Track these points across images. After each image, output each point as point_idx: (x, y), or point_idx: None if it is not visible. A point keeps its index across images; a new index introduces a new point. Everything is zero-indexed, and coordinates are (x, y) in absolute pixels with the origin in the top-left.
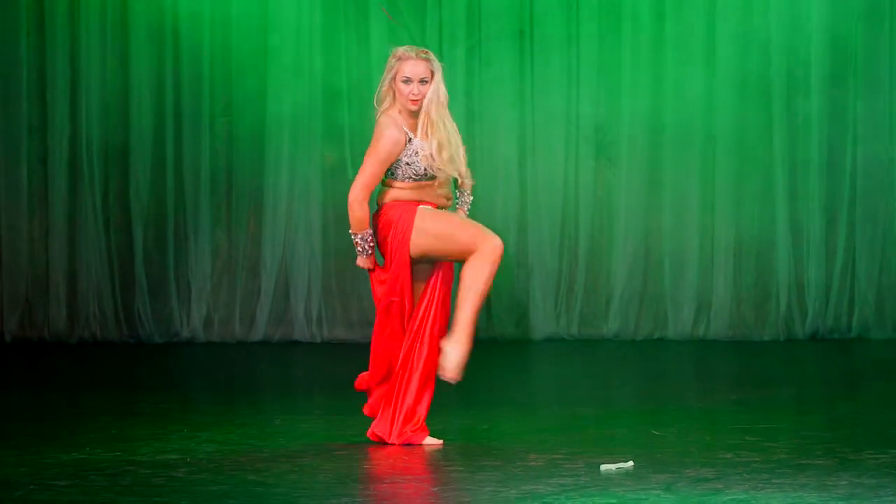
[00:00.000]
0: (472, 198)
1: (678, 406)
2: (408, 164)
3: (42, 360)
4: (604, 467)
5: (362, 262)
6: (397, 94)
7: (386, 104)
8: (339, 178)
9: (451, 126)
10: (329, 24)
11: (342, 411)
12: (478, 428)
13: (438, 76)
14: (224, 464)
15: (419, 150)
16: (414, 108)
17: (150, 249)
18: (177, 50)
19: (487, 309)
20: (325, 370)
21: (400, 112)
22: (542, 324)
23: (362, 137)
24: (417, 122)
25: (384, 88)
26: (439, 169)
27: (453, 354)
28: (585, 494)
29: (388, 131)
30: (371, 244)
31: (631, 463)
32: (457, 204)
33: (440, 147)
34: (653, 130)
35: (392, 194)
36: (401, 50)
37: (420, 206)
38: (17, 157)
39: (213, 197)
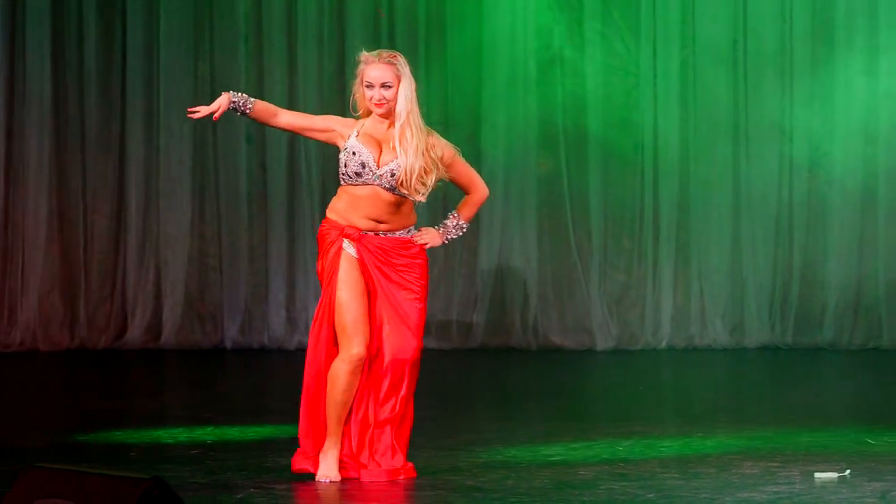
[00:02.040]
0: (459, 230)
1: (894, 414)
2: (344, 163)
3: (262, 366)
4: (819, 475)
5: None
6: (364, 100)
7: (362, 111)
8: (555, 186)
9: (418, 140)
10: (543, 26)
11: (558, 417)
12: (693, 436)
13: (405, 82)
14: (442, 469)
15: (353, 150)
16: (379, 111)
17: None
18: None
19: (702, 317)
20: (540, 377)
21: (373, 119)
22: (757, 332)
23: (577, 144)
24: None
25: (357, 95)
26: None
27: (326, 465)
28: (800, 503)
29: (343, 118)
30: (230, 105)
31: (847, 471)
32: (439, 227)
33: (409, 171)
34: (866, 140)
35: (335, 202)
36: (367, 54)
37: (345, 251)
38: (236, 164)
39: (430, 204)
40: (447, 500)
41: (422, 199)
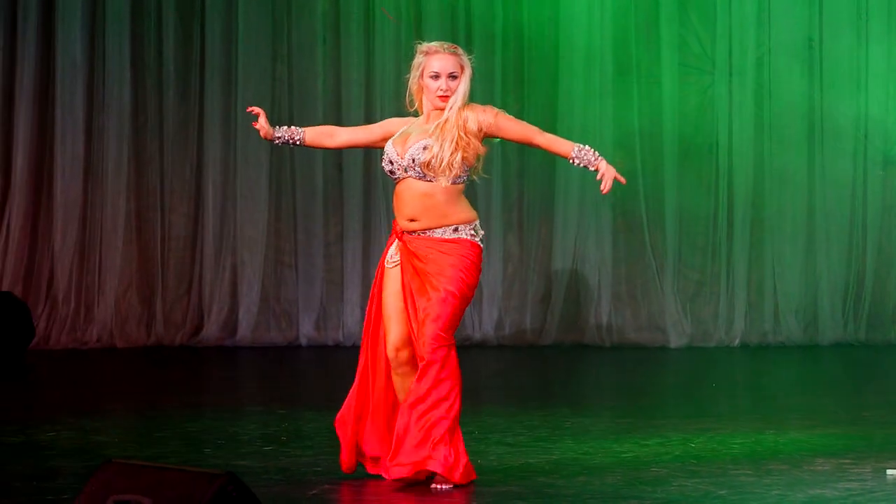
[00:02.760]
0: (586, 153)
1: None
2: (381, 163)
3: (337, 363)
4: (891, 472)
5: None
6: (426, 91)
7: (418, 103)
8: (630, 185)
9: (457, 126)
10: (619, 27)
11: (630, 414)
12: (765, 432)
13: (467, 73)
14: (514, 465)
15: (386, 148)
16: (443, 104)
17: None
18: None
19: (775, 314)
20: (613, 374)
21: (429, 114)
22: (830, 329)
23: (652, 143)
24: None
25: (414, 88)
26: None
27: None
28: (872, 499)
29: (401, 118)
30: (281, 138)
31: None
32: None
33: (439, 155)
34: None
35: None
36: (427, 44)
37: (388, 258)
38: (312, 164)
39: (505, 203)
40: (520, 496)
41: (446, 182)
